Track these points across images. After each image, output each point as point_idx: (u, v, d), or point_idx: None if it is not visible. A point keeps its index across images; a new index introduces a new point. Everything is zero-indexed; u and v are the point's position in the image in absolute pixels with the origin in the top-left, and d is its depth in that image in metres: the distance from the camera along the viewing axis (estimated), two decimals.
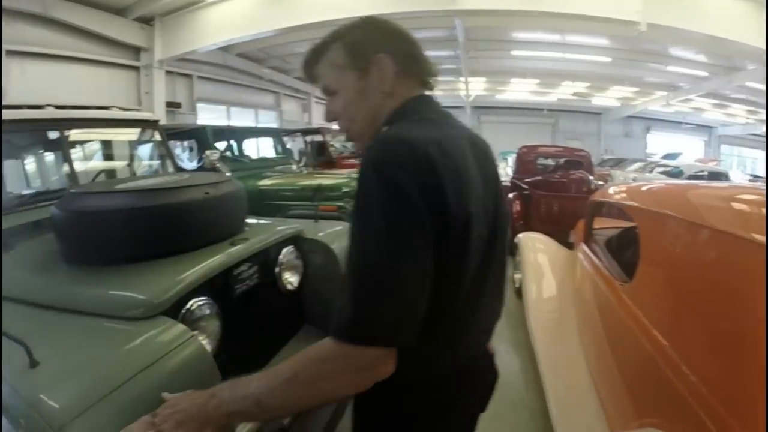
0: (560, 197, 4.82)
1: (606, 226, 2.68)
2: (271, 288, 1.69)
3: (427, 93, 0.81)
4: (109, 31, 7.18)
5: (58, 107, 2.21)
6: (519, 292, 3.51)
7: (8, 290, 1.29)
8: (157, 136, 2.67)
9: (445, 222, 0.61)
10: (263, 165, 4.96)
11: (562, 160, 6.25)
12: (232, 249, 1.46)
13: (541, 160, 6.55)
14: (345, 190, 4.02)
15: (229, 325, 1.40)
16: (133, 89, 8.29)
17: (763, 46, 5.52)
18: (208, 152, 3.37)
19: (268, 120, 13.32)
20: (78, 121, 2.26)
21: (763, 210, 1.03)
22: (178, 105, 9.05)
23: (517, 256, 3.69)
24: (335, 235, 1.96)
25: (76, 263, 1.43)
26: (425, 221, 0.59)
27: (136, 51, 7.92)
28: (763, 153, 17.63)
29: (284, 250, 1.73)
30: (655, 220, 1.53)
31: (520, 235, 3.62)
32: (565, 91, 16.44)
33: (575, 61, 11.00)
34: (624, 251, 2.11)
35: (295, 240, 1.84)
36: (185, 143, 4.75)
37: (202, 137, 4.43)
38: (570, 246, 3.24)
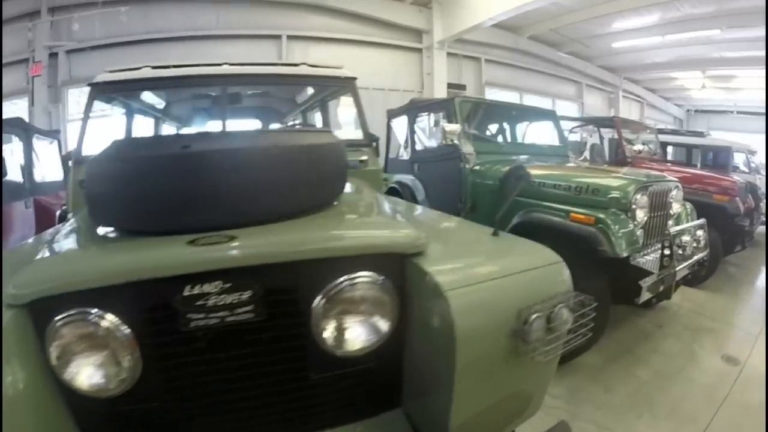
0: None
1: None
2: None
3: None
4: (387, 15, 7.52)
5: (232, 65, 2.19)
6: None
7: None
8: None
9: None
10: (528, 152, 4.00)
11: None
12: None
13: None
14: (613, 195, 2.49)
15: None
16: (415, 71, 8.34)
17: None
18: (444, 125, 2.91)
19: (568, 112, 11.35)
20: (260, 76, 2.23)
21: None
22: (462, 87, 8.62)
23: None
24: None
25: None
26: None
27: (417, 33, 8.01)
28: None
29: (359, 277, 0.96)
30: None
31: None
32: None
33: None
34: None
35: (385, 261, 0.98)
36: (432, 116, 4.26)
37: (449, 109, 3.70)
38: None
